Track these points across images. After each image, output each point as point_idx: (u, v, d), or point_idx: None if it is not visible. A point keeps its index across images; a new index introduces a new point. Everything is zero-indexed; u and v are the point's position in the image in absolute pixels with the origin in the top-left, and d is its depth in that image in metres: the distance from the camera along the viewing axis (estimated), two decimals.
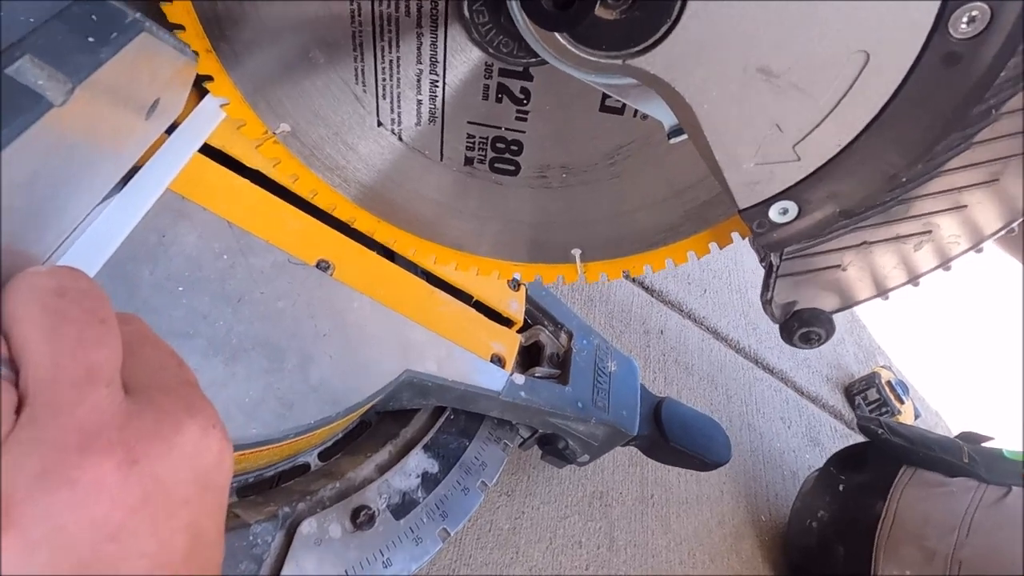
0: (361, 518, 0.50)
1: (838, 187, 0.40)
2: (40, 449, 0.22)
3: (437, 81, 0.46)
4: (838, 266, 0.45)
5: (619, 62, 0.35)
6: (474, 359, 0.57)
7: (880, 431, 0.86)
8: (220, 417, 0.29)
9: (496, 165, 0.51)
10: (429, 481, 0.55)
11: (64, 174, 0.31)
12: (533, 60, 0.42)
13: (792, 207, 0.41)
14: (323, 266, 0.54)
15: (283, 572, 0.46)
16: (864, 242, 0.43)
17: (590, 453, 0.66)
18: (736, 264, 1.32)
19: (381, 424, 0.59)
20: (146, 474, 0.24)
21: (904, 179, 0.39)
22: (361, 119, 0.49)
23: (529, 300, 0.66)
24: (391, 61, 0.45)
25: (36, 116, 0.25)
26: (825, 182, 0.40)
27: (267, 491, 0.52)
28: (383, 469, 0.54)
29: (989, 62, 0.33)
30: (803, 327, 0.47)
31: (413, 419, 0.59)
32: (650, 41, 0.34)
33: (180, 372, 0.32)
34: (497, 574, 0.64)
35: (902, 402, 1.27)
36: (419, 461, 0.56)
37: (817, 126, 0.37)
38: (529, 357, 0.67)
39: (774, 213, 0.41)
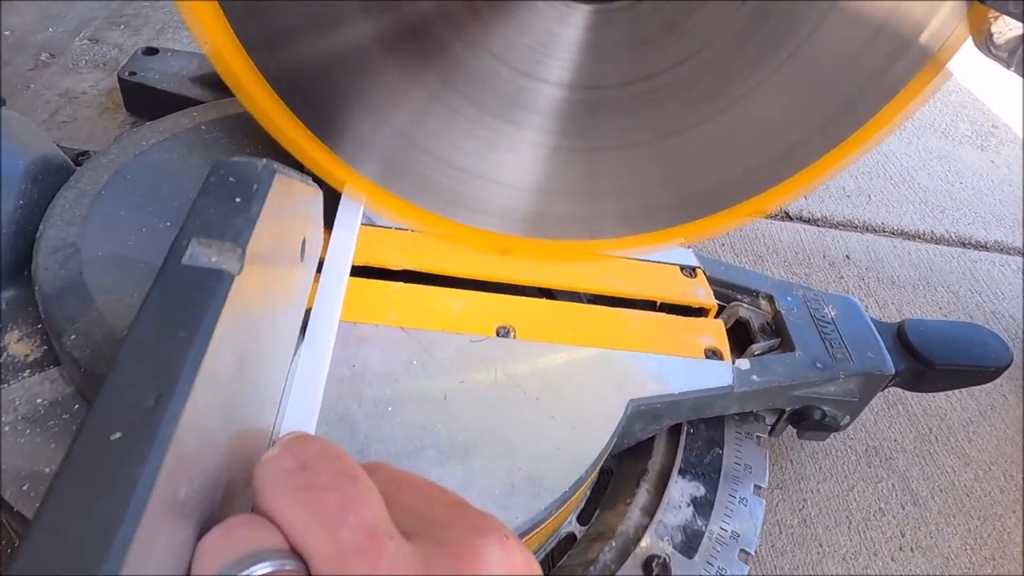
0: (656, 570, 0.45)
1: None
2: None
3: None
4: None
5: None
6: (690, 363, 0.52)
7: None
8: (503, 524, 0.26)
9: None
10: (702, 505, 0.50)
11: (261, 343, 0.30)
12: None
13: None
14: (503, 333, 0.51)
15: None
16: None
17: (851, 413, 0.58)
18: (887, 158, 1.18)
19: (622, 467, 0.55)
20: None
21: None
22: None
23: (712, 281, 0.61)
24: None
25: (223, 293, 0.24)
26: None
27: (548, 574, 0.48)
28: (650, 511, 0.50)
29: None
30: None
31: (653, 449, 0.54)
32: None
33: (444, 497, 0.30)
34: (812, 574, 0.57)
35: None
36: (682, 489, 0.51)
37: None
38: (738, 339, 0.60)
39: None
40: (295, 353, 0.41)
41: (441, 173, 0.49)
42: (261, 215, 0.27)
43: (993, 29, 0.36)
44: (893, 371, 0.56)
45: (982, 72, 1.37)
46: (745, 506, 0.50)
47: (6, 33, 0.98)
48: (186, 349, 0.22)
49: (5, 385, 0.41)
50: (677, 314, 0.57)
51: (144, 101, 0.85)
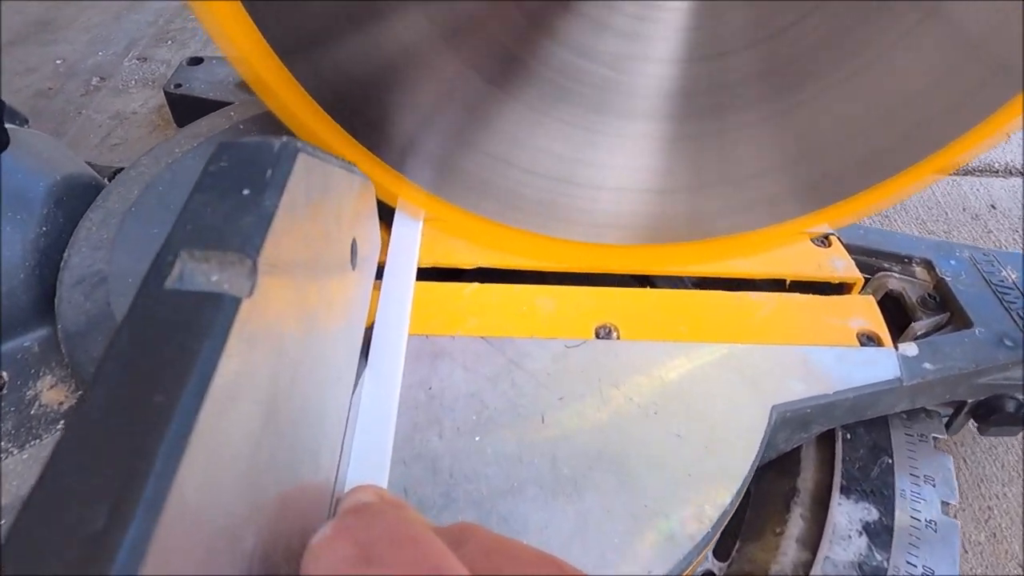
0: None
1: None
2: None
3: None
4: None
5: None
6: (842, 352, 0.42)
7: None
8: None
9: None
10: (879, 533, 0.39)
11: (302, 376, 0.23)
12: None
13: None
14: (604, 333, 0.42)
15: None
16: None
17: None
18: None
19: (763, 485, 0.45)
20: None
21: None
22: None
23: (849, 249, 0.49)
24: None
25: (225, 325, 0.16)
26: None
27: None
28: (809, 543, 0.40)
29: None
30: None
31: (801, 461, 0.44)
32: None
33: (558, 571, 0.21)
34: None
35: None
36: (848, 513, 0.40)
37: None
38: (890, 317, 0.49)
39: None
40: (357, 381, 0.34)
41: (525, 184, 0.41)
42: (281, 210, 0.19)
43: None
44: None
45: None
46: (935, 531, 0.39)
47: (57, 62, 0.96)
48: (164, 422, 0.14)
49: (37, 441, 0.35)
50: (813, 293, 0.46)
51: (192, 112, 0.80)
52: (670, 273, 0.49)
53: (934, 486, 0.41)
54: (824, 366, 0.41)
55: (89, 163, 0.50)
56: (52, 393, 0.38)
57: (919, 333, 0.46)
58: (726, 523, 0.37)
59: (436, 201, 0.44)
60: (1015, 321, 0.45)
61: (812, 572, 0.37)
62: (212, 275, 0.17)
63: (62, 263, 0.39)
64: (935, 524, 0.39)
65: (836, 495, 0.41)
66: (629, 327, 0.43)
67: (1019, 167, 0.86)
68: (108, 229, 0.40)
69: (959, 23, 0.34)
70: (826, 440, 0.44)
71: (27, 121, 0.47)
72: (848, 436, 0.44)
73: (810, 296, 0.46)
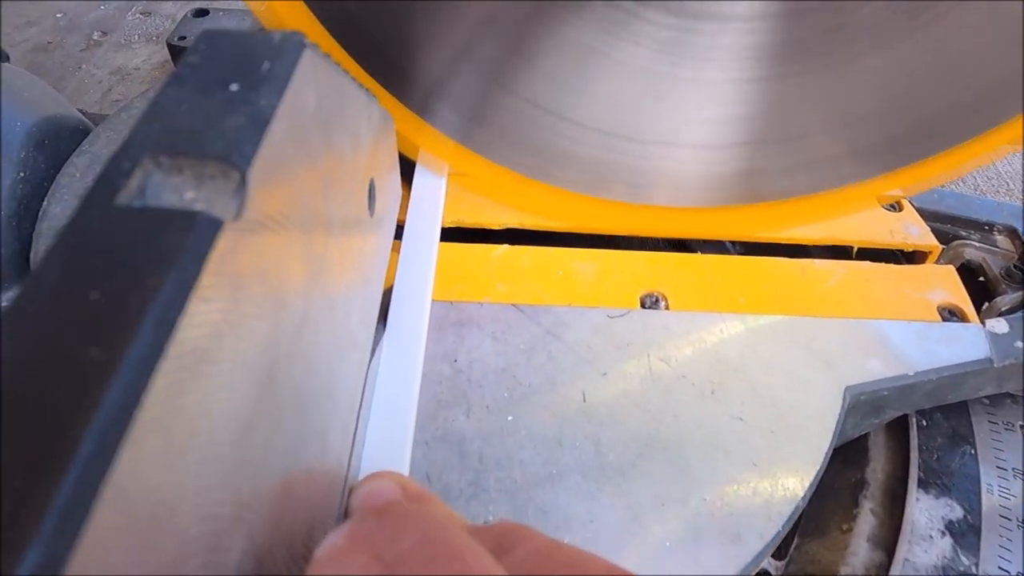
0: None
1: None
2: None
3: None
4: None
5: None
6: (923, 328, 0.37)
7: None
8: None
9: None
10: (964, 534, 0.34)
11: (308, 342, 0.18)
12: None
13: None
14: (652, 302, 0.38)
15: None
16: None
17: None
18: None
19: (823, 477, 0.40)
20: None
21: None
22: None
23: (923, 214, 0.44)
24: None
25: (200, 256, 0.11)
26: None
27: None
28: (883, 542, 0.35)
29: None
30: None
31: (870, 449, 0.39)
32: None
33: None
34: None
35: None
36: (928, 510, 0.35)
37: None
38: (969, 289, 0.44)
39: None
40: (374, 350, 0.29)
41: (581, 141, 0.36)
42: (280, 114, 0.15)
43: None
44: None
45: None
46: None
47: (57, 16, 0.91)
48: (99, 385, 0.09)
49: None
50: (882, 262, 0.41)
51: None
52: (724, 239, 0.44)
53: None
54: (903, 343, 0.36)
55: (83, 111, 0.45)
56: None
57: (1003, 308, 0.41)
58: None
59: (464, 153, 0.39)
60: None
61: (890, 575, 0.33)
62: (185, 190, 0.13)
63: (40, 212, 0.34)
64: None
65: (913, 489, 0.36)
66: (679, 296, 0.38)
67: None
68: (94, 176, 0.36)
69: None
70: (896, 427, 0.40)
71: (8, 58, 0.43)
72: (923, 422, 0.39)
73: (882, 265, 0.40)
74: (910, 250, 0.43)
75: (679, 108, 0.34)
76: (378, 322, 0.30)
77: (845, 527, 0.36)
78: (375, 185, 0.27)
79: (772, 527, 0.29)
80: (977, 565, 0.33)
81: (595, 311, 0.37)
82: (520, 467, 0.31)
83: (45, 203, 0.34)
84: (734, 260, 0.41)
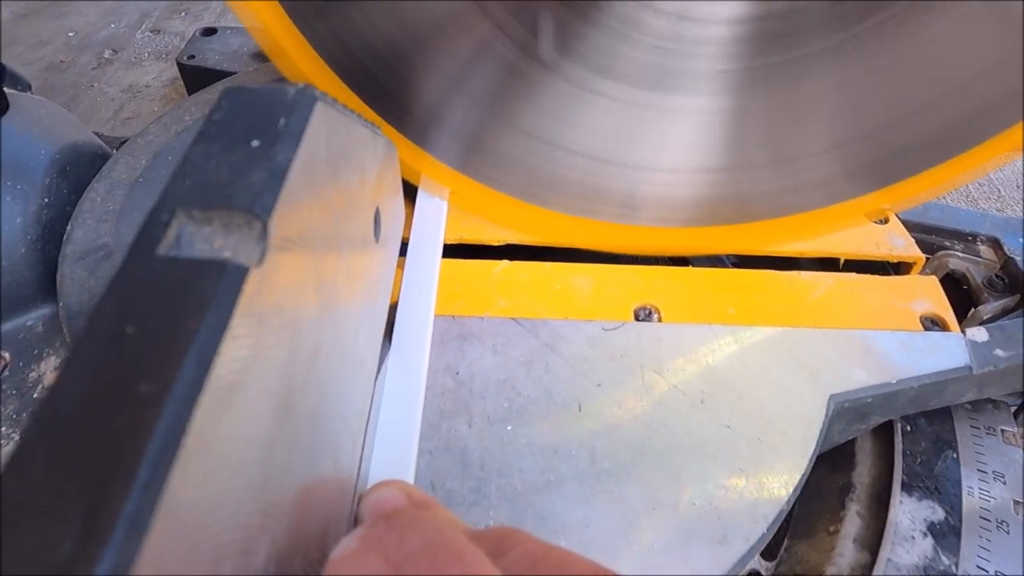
0: None
1: None
2: None
3: None
4: None
5: None
6: (906, 337, 0.38)
7: None
8: None
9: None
10: (945, 535, 0.36)
11: (320, 362, 0.20)
12: None
13: None
14: (645, 315, 0.39)
15: None
16: None
17: None
18: None
19: (812, 481, 0.42)
20: None
21: None
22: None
23: (907, 226, 0.46)
24: None
25: (231, 299, 0.13)
26: None
27: None
28: (868, 543, 0.36)
29: None
30: None
31: (856, 454, 0.41)
32: None
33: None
34: None
35: None
36: (910, 512, 0.37)
37: None
38: (951, 300, 0.45)
39: None
40: (380, 365, 0.31)
41: (570, 166, 0.38)
42: (296, 165, 0.16)
43: None
44: None
45: None
46: (1007, 533, 0.36)
47: (69, 34, 0.93)
48: (153, 417, 0.11)
49: None
50: (868, 273, 0.43)
51: (206, 84, 0.78)
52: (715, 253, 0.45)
53: (1004, 483, 0.38)
54: (886, 352, 0.38)
55: (98, 134, 0.47)
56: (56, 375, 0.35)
57: (985, 317, 0.43)
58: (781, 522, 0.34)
59: (462, 179, 0.41)
60: None
61: (873, 575, 0.34)
62: (215, 240, 0.14)
63: (65, 236, 0.36)
64: (1006, 525, 0.36)
65: (897, 492, 0.37)
66: (671, 309, 0.40)
67: None
68: (114, 200, 0.38)
69: None
70: (882, 432, 0.41)
71: (30, 87, 0.45)
72: (908, 427, 0.40)
73: (868, 276, 0.42)
74: (895, 261, 0.44)
75: (666, 135, 0.36)
76: (384, 337, 0.32)
77: (832, 529, 0.38)
78: (380, 211, 0.28)
79: (758, 529, 0.31)
80: (957, 564, 0.35)
81: (591, 324, 0.38)
82: (520, 475, 0.32)
83: (69, 227, 0.36)
84: (724, 273, 0.42)
